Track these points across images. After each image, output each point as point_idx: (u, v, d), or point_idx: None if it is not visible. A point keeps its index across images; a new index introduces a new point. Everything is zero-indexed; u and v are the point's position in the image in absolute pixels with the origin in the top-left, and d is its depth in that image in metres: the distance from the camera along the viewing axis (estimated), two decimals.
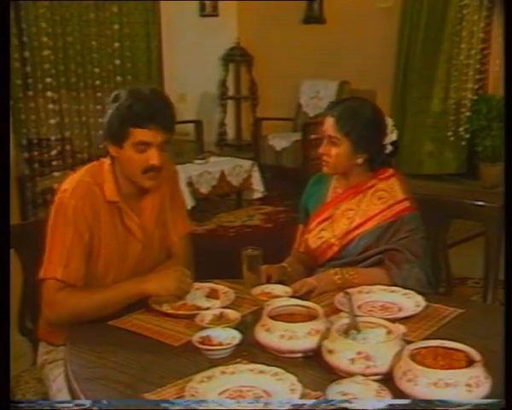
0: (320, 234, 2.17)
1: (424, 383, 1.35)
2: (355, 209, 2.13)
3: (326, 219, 2.17)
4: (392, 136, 2.17)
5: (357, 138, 2.07)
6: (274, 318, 1.64)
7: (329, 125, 2.09)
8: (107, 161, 1.96)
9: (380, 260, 2.07)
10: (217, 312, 1.78)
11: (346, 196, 2.16)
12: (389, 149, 2.17)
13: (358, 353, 1.46)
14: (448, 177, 6.11)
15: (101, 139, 1.98)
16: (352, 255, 2.11)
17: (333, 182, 2.22)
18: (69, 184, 1.91)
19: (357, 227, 2.11)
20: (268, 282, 2.01)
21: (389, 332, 1.54)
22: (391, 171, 2.17)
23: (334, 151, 2.09)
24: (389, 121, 2.17)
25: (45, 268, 1.86)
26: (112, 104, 1.89)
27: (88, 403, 1.37)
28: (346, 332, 1.54)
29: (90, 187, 1.90)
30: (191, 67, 6.88)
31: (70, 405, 1.34)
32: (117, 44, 5.96)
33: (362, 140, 2.07)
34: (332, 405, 1.31)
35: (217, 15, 7.31)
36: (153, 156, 1.86)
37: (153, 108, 1.84)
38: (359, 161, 2.10)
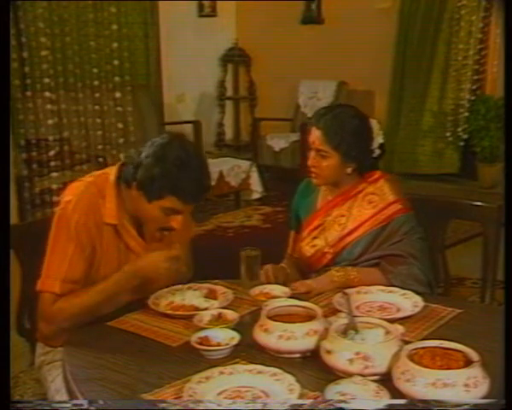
0: (313, 242, 2.16)
1: (422, 383, 1.35)
2: (346, 215, 2.12)
3: (317, 226, 2.16)
4: (379, 139, 2.16)
5: (346, 150, 2.06)
6: (272, 318, 1.64)
7: (317, 137, 2.08)
8: (112, 174, 1.90)
9: (377, 264, 2.06)
10: (215, 312, 1.78)
11: (337, 202, 2.15)
12: (377, 152, 2.16)
13: (357, 353, 1.46)
14: (446, 177, 6.10)
15: (128, 173, 1.85)
16: (346, 261, 2.10)
17: (322, 188, 2.21)
18: (73, 195, 1.87)
19: (349, 233, 2.10)
20: (274, 282, 2.01)
21: (387, 333, 1.54)
22: (379, 173, 2.15)
23: (324, 164, 2.08)
24: (375, 125, 2.16)
25: (43, 281, 1.84)
26: (156, 156, 1.78)
27: (85, 403, 1.37)
28: (344, 333, 1.54)
29: (94, 200, 1.86)
30: (189, 67, 6.87)
31: (68, 405, 1.34)
32: (115, 45, 5.95)
33: (351, 151, 2.06)
34: (330, 405, 1.31)
35: (215, 16, 7.31)
36: (177, 221, 1.85)
37: (198, 188, 1.82)
38: (349, 170, 2.10)
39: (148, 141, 1.85)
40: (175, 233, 2.03)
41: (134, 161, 1.83)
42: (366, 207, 2.10)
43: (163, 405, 1.34)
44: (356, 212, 2.11)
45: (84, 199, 1.86)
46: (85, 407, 1.35)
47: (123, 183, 1.89)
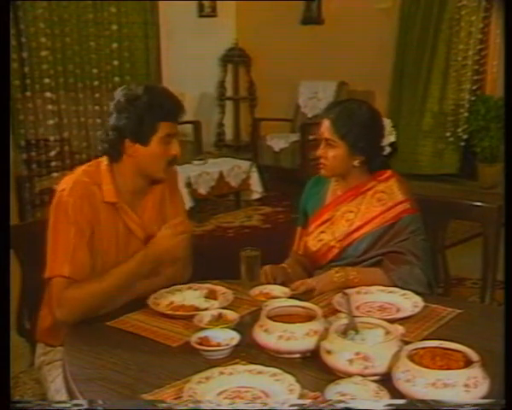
0: (320, 236, 2.17)
1: (422, 383, 1.35)
2: (354, 211, 2.13)
3: (325, 221, 2.17)
4: (391, 137, 2.17)
5: (354, 141, 2.06)
6: (272, 318, 1.63)
7: (326, 127, 2.09)
8: (103, 162, 1.96)
9: (380, 262, 2.07)
10: (215, 312, 1.78)
11: (345, 198, 2.15)
12: (387, 150, 2.17)
13: (357, 353, 1.46)
14: (446, 177, 6.11)
15: (112, 141, 1.92)
16: (351, 257, 2.10)
17: (332, 184, 2.22)
18: (67, 184, 1.91)
19: (356, 230, 2.11)
20: (273, 283, 2.01)
21: (387, 333, 1.54)
22: (390, 172, 2.16)
23: (331, 154, 2.09)
24: (387, 123, 2.17)
25: (51, 266, 1.85)
26: (130, 104, 1.88)
27: (85, 403, 1.37)
28: (344, 333, 1.54)
29: (87, 186, 1.90)
30: (189, 67, 6.88)
31: (68, 405, 1.34)
32: (115, 45, 5.96)
33: (358, 142, 2.07)
34: (330, 405, 1.31)
35: (215, 16, 7.31)
36: (175, 147, 1.94)
37: (178, 103, 1.93)
38: (356, 163, 2.10)
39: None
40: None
41: (110, 130, 1.91)
42: (375, 205, 2.11)
43: (163, 405, 1.34)
44: (364, 209, 2.12)
45: (78, 186, 1.90)
46: (85, 406, 1.34)
47: (113, 161, 1.95)
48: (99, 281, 1.84)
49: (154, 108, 1.87)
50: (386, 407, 1.30)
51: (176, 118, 1.93)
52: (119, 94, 1.92)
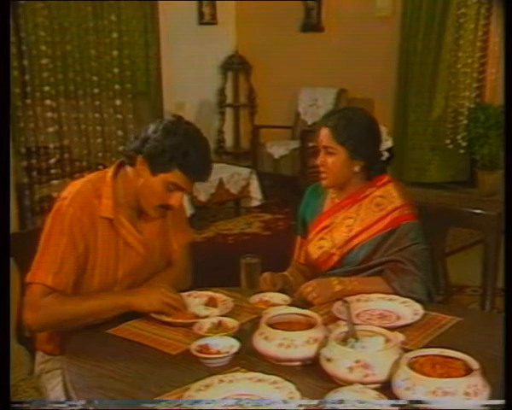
0: (319, 243, 2.17)
1: (422, 391, 1.34)
2: (353, 217, 2.13)
3: (324, 228, 2.17)
4: (388, 142, 2.18)
5: (353, 146, 2.07)
6: (272, 326, 1.63)
7: (324, 135, 2.10)
8: (109, 172, 1.94)
9: (381, 271, 2.06)
10: (215, 320, 1.78)
11: (344, 205, 2.15)
12: (385, 155, 2.17)
13: (357, 361, 1.45)
14: (446, 185, 6.11)
15: (133, 147, 1.88)
16: (352, 264, 2.10)
17: (330, 192, 2.22)
18: (69, 193, 1.90)
19: (356, 236, 2.11)
20: (272, 290, 2.01)
21: (387, 341, 1.53)
22: (387, 177, 2.17)
23: (331, 160, 2.09)
24: (383, 129, 2.18)
25: (34, 272, 1.83)
26: (164, 132, 1.83)
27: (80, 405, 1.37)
28: (344, 340, 1.54)
29: (89, 198, 1.88)
30: (190, 75, 6.89)
31: (64, 405, 1.34)
32: (115, 53, 5.96)
33: (358, 147, 2.08)
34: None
35: (215, 23, 7.33)
36: (176, 199, 1.88)
37: (204, 165, 1.87)
38: (356, 168, 2.11)
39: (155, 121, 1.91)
40: (173, 235, 2.04)
41: (139, 136, 1.87)
42: (374, 210, 2.11)
43: (148, 405, 1.34)
44: (363, 214, 2.11)
45: (80, 196, 1.88)
46: (80, 407, 1.34)
47: (125, 159, 1.92)
48: (76, 302, 1.83)
49: (177, 152, 1.81)
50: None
51: (193, 176, 1.85)
52: (167, 118, 1.90)
